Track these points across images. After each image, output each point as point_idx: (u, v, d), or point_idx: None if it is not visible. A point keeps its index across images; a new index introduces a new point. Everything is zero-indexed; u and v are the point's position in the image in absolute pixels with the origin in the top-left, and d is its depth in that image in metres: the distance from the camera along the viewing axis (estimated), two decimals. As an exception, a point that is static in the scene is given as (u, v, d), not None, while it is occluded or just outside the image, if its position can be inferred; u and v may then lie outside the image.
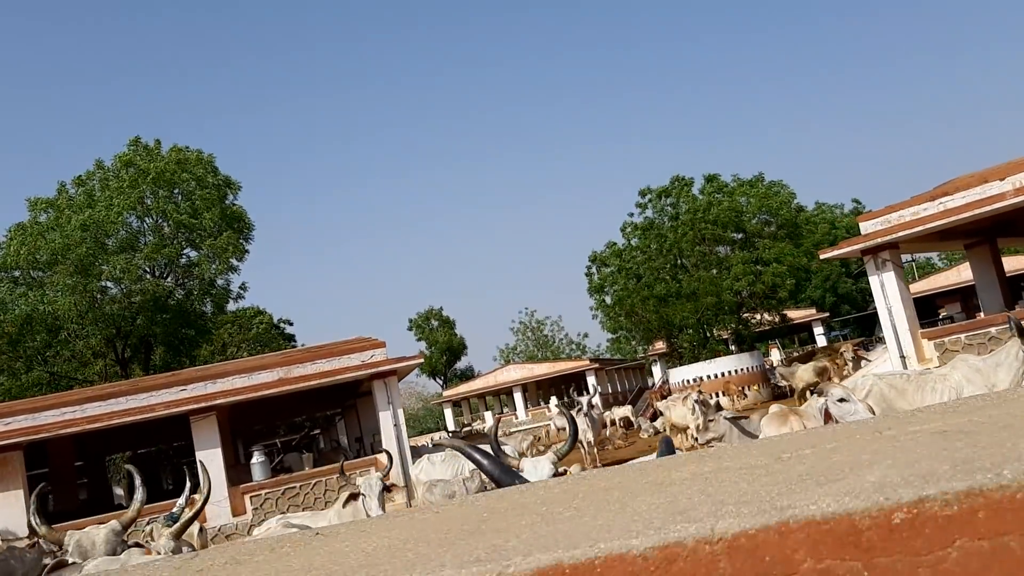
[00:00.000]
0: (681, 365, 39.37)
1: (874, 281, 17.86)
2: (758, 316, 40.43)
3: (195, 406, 18.52)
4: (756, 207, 39.40)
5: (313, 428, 29.66)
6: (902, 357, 17.30)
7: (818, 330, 54.43)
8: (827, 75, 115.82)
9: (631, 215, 42.01)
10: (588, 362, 57.55)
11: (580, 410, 21.60)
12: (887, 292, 17.62)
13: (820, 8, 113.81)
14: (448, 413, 58.45)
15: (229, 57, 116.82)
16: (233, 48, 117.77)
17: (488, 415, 59.11)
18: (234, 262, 29.60)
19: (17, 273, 27.98)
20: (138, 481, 4.69)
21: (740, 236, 39.09)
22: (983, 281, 20.41)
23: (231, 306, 31.13)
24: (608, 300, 42.04)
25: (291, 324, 54.78)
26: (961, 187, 16.60)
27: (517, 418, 53.75)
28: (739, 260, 37.74)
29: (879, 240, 17.45)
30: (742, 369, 37.82)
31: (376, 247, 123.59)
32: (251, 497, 18.81)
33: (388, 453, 12.72)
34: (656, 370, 55.66)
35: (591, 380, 55.68)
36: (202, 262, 28.63)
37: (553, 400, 53.63)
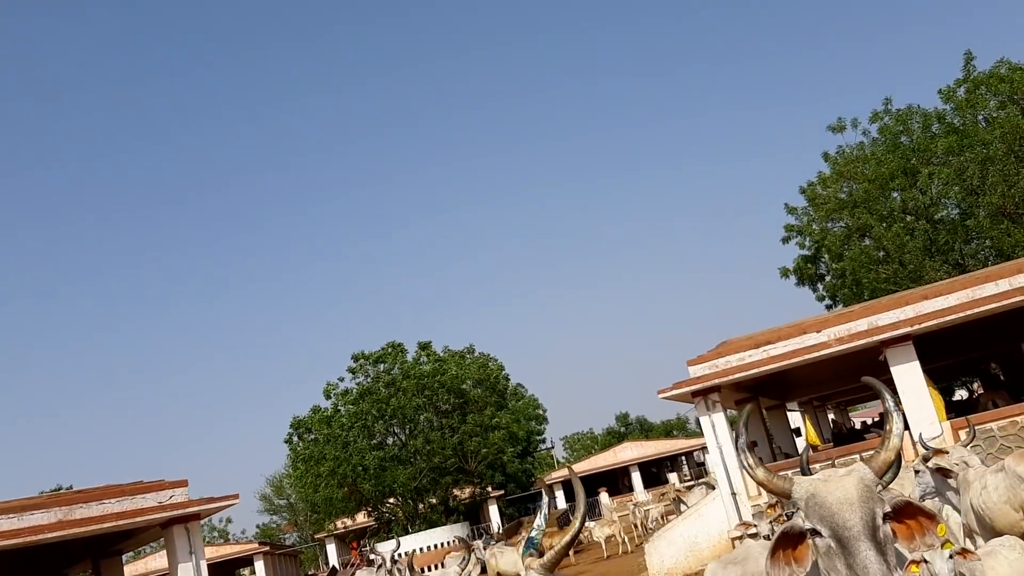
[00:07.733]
0: (390, 538, 37.67)
1: (705, 422, 19.05)
2: (466, 490, 40.46)
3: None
4: (472, 375, 40.35)
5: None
6: (733, 494, 18.50)
7: (493, 508, 55.32)
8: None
9: (341, 379, 40.60)
10: (258, 545, 52.86)
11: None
12: (717, 432, 18.93)
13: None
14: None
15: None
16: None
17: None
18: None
19: None
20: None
21: (460, 401, 39.45)
22: (757, 436, 22.78)
23: None
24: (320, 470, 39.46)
25: None
26: (784, 336, 18.79)
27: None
28: (469, 422, 38.06)
29: (709, 383, 18.88)
30: (451, 542, 37.02)
31: None
32: None
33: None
34: (331, 550, 52.64)
35: (259, 565, 50.98)
36: None
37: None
